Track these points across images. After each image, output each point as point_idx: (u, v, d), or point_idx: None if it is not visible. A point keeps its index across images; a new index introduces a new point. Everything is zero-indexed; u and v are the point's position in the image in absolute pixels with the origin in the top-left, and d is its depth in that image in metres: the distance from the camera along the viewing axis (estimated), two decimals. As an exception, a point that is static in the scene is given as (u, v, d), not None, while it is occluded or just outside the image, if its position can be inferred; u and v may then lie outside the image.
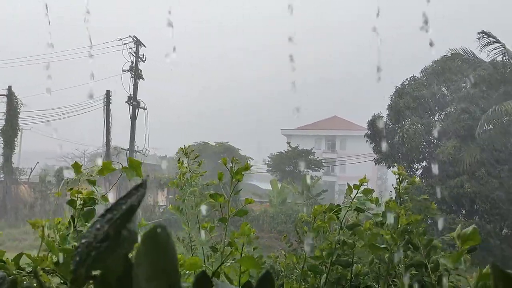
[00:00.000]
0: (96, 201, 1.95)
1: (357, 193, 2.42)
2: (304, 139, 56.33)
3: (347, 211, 2.43)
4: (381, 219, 2.37)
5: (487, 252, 22.71)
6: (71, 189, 1.84)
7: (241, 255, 2.05)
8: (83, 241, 0.53)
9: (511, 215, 24.14)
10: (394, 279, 2.28)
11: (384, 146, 28.00)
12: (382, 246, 2.22)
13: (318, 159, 48.07)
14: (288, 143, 48.81)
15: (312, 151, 47.73)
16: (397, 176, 2.50)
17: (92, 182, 1.96)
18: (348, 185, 2.51)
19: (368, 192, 2.43)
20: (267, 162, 48.15)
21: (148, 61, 35.19)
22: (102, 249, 0.51)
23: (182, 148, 2.57)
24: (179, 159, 2.68)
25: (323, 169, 50.11)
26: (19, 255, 1.42)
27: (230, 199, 2.27)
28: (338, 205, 2.45)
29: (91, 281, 0.50)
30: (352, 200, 2.42)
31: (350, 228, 2.34)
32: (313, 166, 46.24)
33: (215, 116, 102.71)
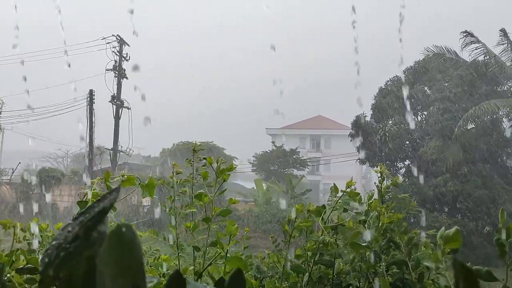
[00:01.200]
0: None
1: (342, 195, 2.43)
2: (289, 139, 56.51)
3: (331, 211, 2.44)
4: (364, 217, 2.39)
5: (469, 250, 23.02)
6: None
7: (226, 255, 2.05)
8: (53, 242, 0.53)
9: (493, 213, 24.48)
10: (376, 277, 2.30)
11: (364, 147, 28.20)
12: (363, 244, 2.23)
13: (303, 158, 48.23)
14: (273, 142, 48.89)
15: (297, 150, 47.87)
16: (379, 175, 2.52)
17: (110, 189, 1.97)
18: (335, 185, 2.52)
19: (354, 194, 2.44)
20: (252, 162, 48.16)
21: (133, 60, 34.97)
22: (70, 250, 0.50)
23: (193, 146, 2.53)
24: (164, 160, 2.65)
25: (308, 168, 50.29)
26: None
27: (215, 199, 2.26)
28: (324, 206, 2.46)
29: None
30: (337, 201, 2.43)
31: (334, 228, 2.34)
32: (298, 165, 46.39)
33: (200, 116, 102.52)
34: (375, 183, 2.57)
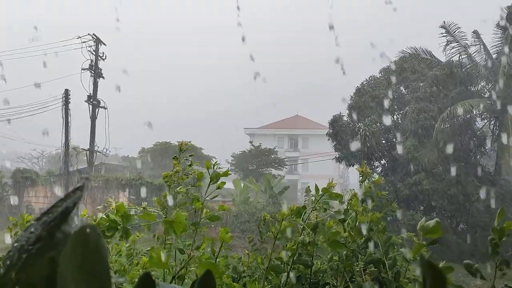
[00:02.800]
0: (118, 231, 1.95)
1: (323, 195, 2.42)
2: (267, 138, 56.59)
3: (311, 211, 2.44)
4: (343, 216, 2.39)
5: (444, 247, 23.39)
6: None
7: (216, 259, 2.04)
8: (16, 244, 0.50)
9: (467, 210, 24.95)
10: (353, 276, 2.30)
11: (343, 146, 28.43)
12: (342, 243, 2.23)
13: (281, 158, 48.37)
14: (251, 142, 48.90)
15: (275, 150, 47.99)
16: (361, 174, 2.52)
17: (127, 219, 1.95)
18: (316, 187, 2.51)
19: (336, 196, 2.43)
20: (230, 161, 48.10)
21: (109, 60, 34.52)
22: (33, 252, 0.48)
23: (182, 144, 2.49)
24: (142, 160, 2.61)
25: (286, 167, 50.48)
26: None
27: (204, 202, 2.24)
28: (304, 206, 2.46)
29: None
30: (317, 201, 2.42)
31: (313, 228, 2.34)
32: (276, 165, 46.51)
33: (178, 116, 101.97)
34: (359, 182, 2.56)
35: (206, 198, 2.23)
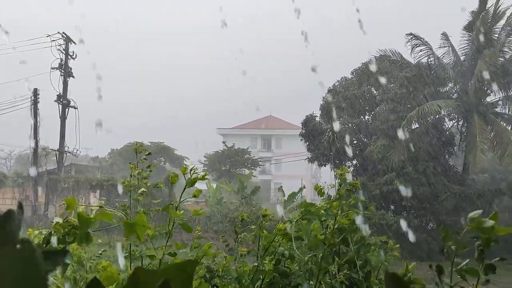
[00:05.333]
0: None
1: (306, 213, 2.42)
2: (240, 138, 56.51)
3: (292, 224, 2.44)
4: (325, 218, 2.40)
5: (414, 246, 23.77)
6: None
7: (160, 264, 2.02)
8: None
9: (436, 209, 25.40)
10: (326, 277, 2.33)
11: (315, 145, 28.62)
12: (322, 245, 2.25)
13: (254, 158, 48.39)
14: (224, 142, 48.77)
15: (248, 150, 47.98)
16: (339, 176, 2.52)
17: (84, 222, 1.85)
18: (305, 202, 2.51)
19: (317, 211, 2.42)
20: (203, 162, 47.85)
21: (80, 59, 33.91)
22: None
23: (135, 147, 2.46)
24: (113, 161, 2.58)
25: (259, 167, 50.52)
26: None
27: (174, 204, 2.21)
28: (290, 221, 2.44)
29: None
30: (301, 211, 2.41)
31: (296, 239, 2.33)
32: (249, 165, 46.50)
33: (151, 117, 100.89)
34: (332, 185, 2.58)
35: (178, 204, 2.20)
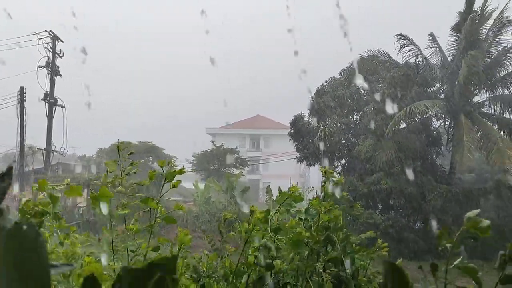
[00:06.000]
0: (48, 216, 1.85)
1: (286, 198, 2.43)
2: (229, 138, 56.45)
3: (274, 214, 2.44)
4: (304, 216, 2.40)
5: (401, 245, 23.94)
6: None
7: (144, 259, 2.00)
8: None
9: (423, 209, 25.58)
10: (314, 276, 2.32)
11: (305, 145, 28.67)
12: (304, 242, 2.25)
13: (242, 157, 48.37)
14: (213, 141, 48.69)
15: (237, 149, 47.95)
16: (323, 174, 2.53)
17: (54, 199, 1.84)
18: (279, 189, 2.52)
19: (298, 198, 2.44)
20: (191, 161, 47.71)
21: (67, 58, 33.65)
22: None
23: (117, 144, 2.43)
24: (100, 160, 2.56)
25: (247, 167, 50.49)
26: None
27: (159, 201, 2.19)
28: (269, 211, 2.46)
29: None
30: (280, 205, 2.42)
31: (275, 231, 2.34)
32: (237, 165, 46.45)
33: (139, 115, 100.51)
34: (324, 183, 2.58)
35: (162, 198, 2.19)
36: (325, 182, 2.52)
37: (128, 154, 2.44)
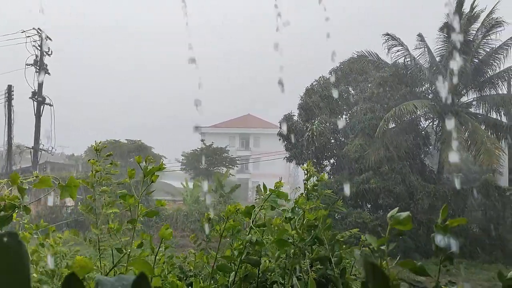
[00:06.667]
0: (17, 209, 1.85)
1: (270, 194, 2.44)
2: (218, 137, 56.40)
3: (259, 210, 2.45)
4: (290, 215, 2.41)
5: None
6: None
7: (155, 258, 2.01)
8: None
9: (412, 208, 25.74)
10: (300, 274, 2.33)
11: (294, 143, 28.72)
12: (289, 241, 2.25)
13: (232, 156, 48.34)
14: (202, 140, 48.59)
15: (226, 148, 47.90)
16: (305, 172, 2.55)
17: (22, 190, 1.84)
18: (264, 185, 2.53)
19: (283, 195, 2.45)
20: (180, 160, 47.60)
21: (55, 56, 33.40)
22: None
23: (94, 146, 2.44)
24: (89, 158, 2.55)
25: (237, 166, 50.49)
26: None
27: (143, 199, 2.19)
28: (253, 206, 2.47)
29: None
30: (265, 200, 2.44)
31: (259, 226, 2.35)
32: (227, 164, 46.43)
33: (128, 114, 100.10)
34: (303, 180, 2.59)
35: (150, 196, 2.19)
36: (307, 180, 2.54)
37: (107, 155, 2.45)
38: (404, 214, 1.52)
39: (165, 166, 2.40)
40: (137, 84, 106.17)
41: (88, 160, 2.44)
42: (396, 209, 1.57)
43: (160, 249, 2.22)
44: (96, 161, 2.39)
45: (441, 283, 1.47)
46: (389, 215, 1.54)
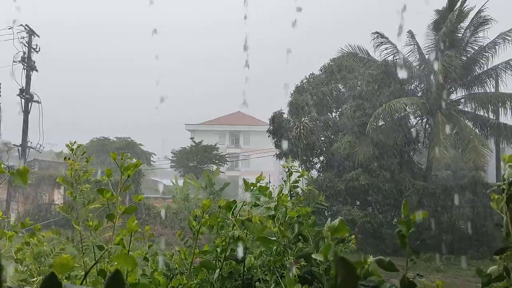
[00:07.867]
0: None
1: (252, 189, 2.44)
2: (208, 135, 56.32)
3: (242, 206, 2.45)
4: (273, 212, 2.41)
5: (379, 240, 24.23)
6: None
7: (128, 253, 1.98)
8: None
9: (400, 205, 25.88)
10: (284, 271, 2.33)
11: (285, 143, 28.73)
12: (272, 238, 2.25)
13: (222, 154, 48.27)
14: (192, 138, 48.44)
15: (216, 146, 47.80)
16: (286, 170, 2.55)
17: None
18: (244, 180, 2.53)
19: (263, 189, 2.46)
20: (170, 158, 47.43)
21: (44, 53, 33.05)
22: None
23: (67, 144, 2.42)
24: (65, 157, 2.54)
25: (227, 164, 50.42)
26: None
27: (126, 196, 2.18)
28: (234, 201, 2.47)
29: None
30: (250, 194, 2.44)
31: (241, 222, 2.35)
32: (217, 161, 46.33)
33: (118, 111, 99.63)
34: (282, 178, 2.61)
35: (119, 191, 2.18)
36: (288, 177, 2.54)
37: (81, 155, 2.44)
38: (337, 221, 1.69)
39: (142, 163, 2.39)
40: (128, 81, 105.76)
41: (64, 158, 2.43)
42: (339, 219, 1.79)
43: (132, 243, 2.20)
44: (73, 160, 2.37)
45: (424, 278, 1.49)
46: (325, 228, 1.79)
